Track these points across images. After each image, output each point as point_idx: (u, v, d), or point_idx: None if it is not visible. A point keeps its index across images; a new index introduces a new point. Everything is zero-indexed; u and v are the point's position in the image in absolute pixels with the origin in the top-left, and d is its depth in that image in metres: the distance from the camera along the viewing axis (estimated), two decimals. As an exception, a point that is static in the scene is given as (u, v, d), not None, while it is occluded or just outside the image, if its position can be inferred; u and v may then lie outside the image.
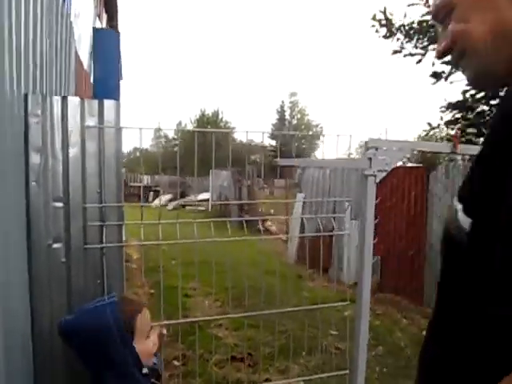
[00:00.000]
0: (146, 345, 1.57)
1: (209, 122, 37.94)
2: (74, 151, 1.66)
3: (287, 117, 46.73)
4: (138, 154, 53.36)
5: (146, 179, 27.86)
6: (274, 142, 45.47)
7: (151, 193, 24.92)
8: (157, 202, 22.42)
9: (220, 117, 38.29)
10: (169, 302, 5.68)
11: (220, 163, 33.04)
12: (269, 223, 12.87)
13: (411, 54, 5.47)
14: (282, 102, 47.04)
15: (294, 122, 46.52)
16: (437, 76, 4.37)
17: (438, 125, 5.56)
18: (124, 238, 7.86)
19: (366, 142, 2.04)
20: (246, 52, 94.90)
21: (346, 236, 7.36)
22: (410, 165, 6.93)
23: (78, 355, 1.49)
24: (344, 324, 4.96)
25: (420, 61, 5.13)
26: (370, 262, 2.16)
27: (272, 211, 18.23)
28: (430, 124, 5.63)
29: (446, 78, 4.31)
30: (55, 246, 1.65)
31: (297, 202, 8.84)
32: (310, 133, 46.09)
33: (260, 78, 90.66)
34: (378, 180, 2.06)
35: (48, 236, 1.63)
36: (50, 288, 1.66)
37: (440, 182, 5.52)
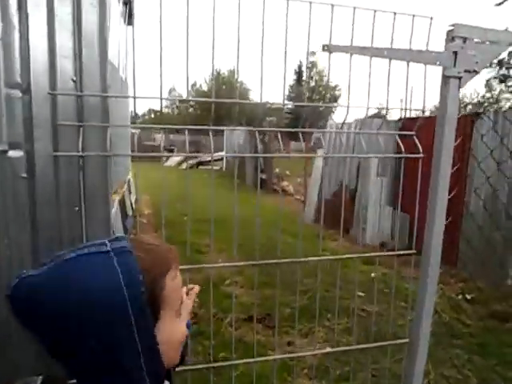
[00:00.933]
0: (176, 330, 0.80)
1: (224, 82, 36.82)
2: (36, 16, 1.12)
3: (305, 78, 45.13)
4: (152, 115, 52.79)
5: (160, 138, 27.42)
6: (290, 105, 44.27)
7: (165, 151, 24.55)
8: (171, 161, 22.04)
9: (236, 77, 37.16)
10: (180, 257, 5.31)
11: (235, 122, 32.39)
12: (285, 183, 12.35)
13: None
14: (300, 61, 45.32)
15: (312, 83, 44.90)
16: None
17: None
18: (135, 196, 7.36)
19: (448, 31, 1.45)
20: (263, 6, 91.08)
21: (371, 194, 6.82)
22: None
23: (44, 345, 0.71)
24: (371, 286, 4.54)
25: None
26: (442, 222, 1.61)
27: (288, 172, 17.72)
28: None
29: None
30: (11, 154, 1.15)
31: (318, 156, 8.24)
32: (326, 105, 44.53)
33: (279, 34, 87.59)
34: (463, 85, 1.48)
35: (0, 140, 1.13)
36: (4, 219, 1.16)
37: (487, 135, 4.86)
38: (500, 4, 3.51)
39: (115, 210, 4.94)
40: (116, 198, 5.44)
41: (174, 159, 21.80)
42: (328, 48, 1.36)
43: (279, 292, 4.11)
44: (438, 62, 1.45)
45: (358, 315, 3.91)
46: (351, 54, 1.43)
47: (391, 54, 1.43)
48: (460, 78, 1.48)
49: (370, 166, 6.83)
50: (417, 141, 1.81)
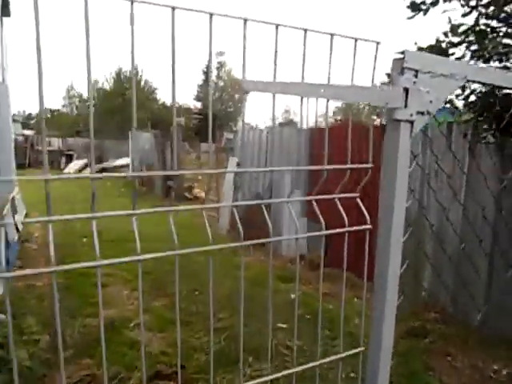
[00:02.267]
0: None
1: (127, 80, 34.72)
2: None
3: (213, 78, 44.71)
4: (48, 115, 48.14)
5: (57, 142, 24.90)
6: (198, 104, 43.49)
7: (63, 158, 22.34)
8: (70, 168, 20.10)
9: (140, 75, 35.23)
10: (80, 292, 4.58)
11: (141, 125, 30.79)
12: (197, 190, 11.81)
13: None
14: (208, 61, 44.83)
15: (221, 83, 44.71)
16: (415, 6, 3.39)
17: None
18: (24, 211, 6.21)
19: (396, 61, 1.11)
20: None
21: (287, 206, 6.62)
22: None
23: None
24: (291, 311, 4.21)
25: None
26: (398, 254, 1.28)
27: (200, 178, 17.18)
28: None
29: (426, 11, 3.40)
30: None
31: (228, 172, 7.87)
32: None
33: (185, 35, 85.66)
34: (417, 129, 1.16)
35: None
36: None
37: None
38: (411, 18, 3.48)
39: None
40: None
41: (73, 166, 19.93)
42: (243, 87, 0.93)
43: (193, 333, 3.64)
44: (386, 103, 1.10)
45: (283, 354, 3.58)
46: (273, 95, 1.02)
47: (329, 92, 1.04)
48: (412, 122, 1.14)
49: (283, 177, 6.64)
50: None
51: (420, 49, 3.45)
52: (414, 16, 3.35)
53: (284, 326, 3.78)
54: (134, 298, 4.37)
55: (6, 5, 7.99)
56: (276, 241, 6.02)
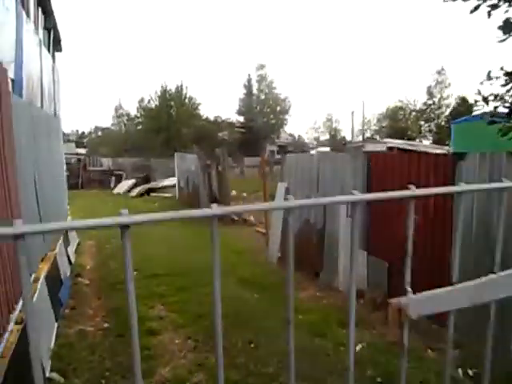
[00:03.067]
0: None
1: (172, 97, 35.49)
2: None
3: (255, 91, 44.89)
4: (99, 133, 50.30)
5: (107, 162, 25.70)
6: (241, 118, 43.71)
7: (113, 177, 23.00)
8: (119, 188, 20.64)
9: (184, 92, 35.92)
10: (129, 345, 4.35)
11: (186, 142, 31.27)
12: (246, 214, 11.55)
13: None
14: (249, 75, 45.01)
15: (262, 96, 44.76)
16: (508, 27, 2.98)
17: (497, 96, 3.86)
18: (77, 240, 6.10)
19: None
20: (210, 23, 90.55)
21: (342, 235, 6.16)
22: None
23: None
24: (359, 370, 3.69)
25: (477, 8, 3.44)
26: None
27: (245, 194, 16.95)
28: (482, 96, 3.84)
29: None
30: None
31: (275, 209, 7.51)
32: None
33: (225, 50, 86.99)
34: None
35: None
36: None
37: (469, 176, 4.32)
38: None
39: (37, 294, 3.88)
40: (41, 275, 4.37)
41: (122, 186, 20.40)
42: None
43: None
44: None
45: None
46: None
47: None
48: None
49: (338, 204, 6.19)
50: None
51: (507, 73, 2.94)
52: (506, 39, 2.87)
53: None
54: (187, 349, 4.08)
55: (58, 41, 8.20)
56: (331, 274, 5.37)
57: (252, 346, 4.06)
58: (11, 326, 3.18)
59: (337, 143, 20.77)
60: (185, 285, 6.06)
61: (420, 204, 4.91)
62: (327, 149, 28.27)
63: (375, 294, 5.34)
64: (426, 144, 22.98)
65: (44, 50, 6.50)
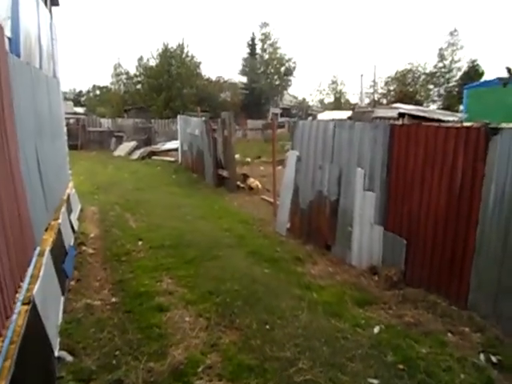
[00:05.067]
0: None
1: (173, 56, 34.29)
2: None
3: (258, 51, 43.40)
4: (97, 92, 49.14)
5: (107, 123, 25.16)
6: (244, 79, 42.52)
7: (113, 139, 22.57)
8: (120, 150, 20.27)
9: (185, 50, 34.67)
10: (138, 322, 4.27)
11: (188, 102, 30.48)
12: (251, 179, 11.32)
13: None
14: (253, 33, 43.37)
15: (266, 56, 43.33)
16: None
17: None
18: (79, 206, 5.90)
19: None
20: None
21: (357, 209, 5.95)
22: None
23: None
24: (379, 356, 3.52)
25: None
26: None
27: (248, 159, 16.61)
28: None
29: None
30: None
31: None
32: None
33: (228, 6, 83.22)
34: None
35: None
36: None
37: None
38: None
39: (43, 270, 3.72)
40: (46, 249, 4.19)
41: (123, 148, 20.05)
42: None
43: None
44: None
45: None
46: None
47: None
48: None
49: (355, 175, 5.95)
50: None
51: None
52: None
53: (375, 382, 3.21)
54: (199, 328, 3.97)
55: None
56: (344, 248, 5.27)
57: (267, 327, 3.93)
58: (18, 306, 3.02)
59: (355, 113, 20.10)
60: (193, 257, 5.93)
61: (445, 184, 4.67)
62: (334, 113, 27.66)
63: (391, 272, 5.22)
64: (438, 111, 22.38)
65: (41, 4, 6.02)
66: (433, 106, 37.20)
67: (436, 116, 15.93)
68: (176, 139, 17.72)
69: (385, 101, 39.72)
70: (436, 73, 39.14)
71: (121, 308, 4.40)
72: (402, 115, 15.99)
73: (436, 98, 39.37)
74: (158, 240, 6.66)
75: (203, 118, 13.96)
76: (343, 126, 6.31)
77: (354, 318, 4.25)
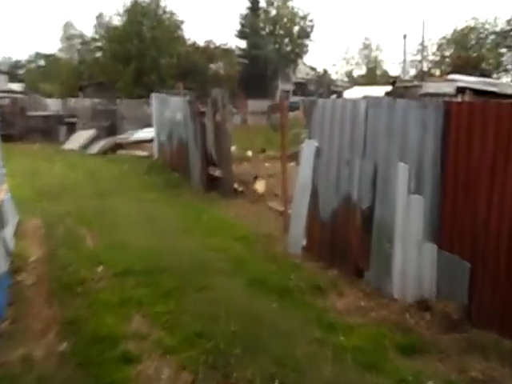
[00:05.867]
0: None
1: (145, 13, 34.36)
2: None
3: (263, 4, 43.68)
4: (41, 62, 49.55)
5: (56, 104, 25.34)
6: (243, 44, 42.83)
7: (63, 127, 22.71)
8: (72, 142, 20.41)
9: (162, 5, 34.79)
10: (96, 379, 4.25)
11: (168, 75, 30.61)
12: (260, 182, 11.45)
13: None
14: (255, -19, 43.73)
15: (273, 12, 43.65)
16: None
17: None
18: (17, 218, 5.91)
19: None
20: None
21: (399, 219, 5.93)
22: None
23: None
24: None
25: None
26: None
27: (250, 153, 16.61)
28: None
29: None
30: None
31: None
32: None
33: None
34: None
35: None
36: None
37: None
38: None
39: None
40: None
41: (78, 139, 20.21)
42: None
43: None
44: None
45: None
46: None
47: None
48: None
49: (396, 174, 5.94)
50: None
51: None
52: None
53: None
54: (182, 385, 3.96)
55: None
56: (382, 274, 5.36)
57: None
58: None
59: (397, 88, 19.97)
60: (173, 287, 5.94)
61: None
62: (366, 88, 27.71)
63: (449, 308, 5.21)
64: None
65: None
66: (506, 79, 37.19)
67: (510, 91, 15.93)
68: (150, 126, 17.81)
69: (437, 71, 39.77)
70: (510, 31, 39.11)
71: (72, 359, 4.41)
72: (461, 90, 16.01)
73: (510, 67, 39.31)
74: (124, 264, 6.67)
75: (187, 98, 14.03)
76: (379, 105, 6.32)
77: (398, 371, 4.24)
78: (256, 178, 11.79)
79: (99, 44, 37.45)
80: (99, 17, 38.08)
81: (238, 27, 43.39)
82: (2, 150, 9.19)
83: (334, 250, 6.96)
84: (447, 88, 17.26)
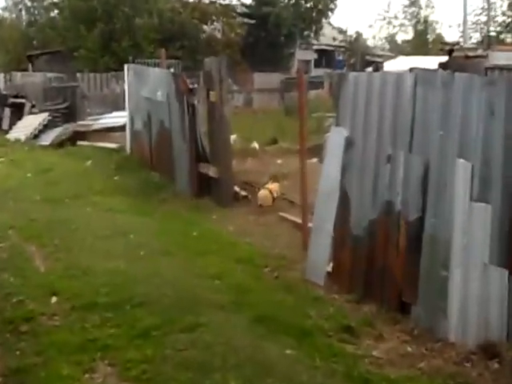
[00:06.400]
0: None
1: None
2: None
3: None
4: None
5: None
6: (248, -1, 42.88)
7: (6, 109, 22.81)
8: (20, 129, 20.47)
9: None
10: None
11: (143, 42, 30.65)
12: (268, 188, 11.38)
13: None
14: None
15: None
16: None
17: None
18: None
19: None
20: None
21: (458, 236, 5.91)
22: None
23: None
24: None
25: None
26: None
27: (256, 145, 16.57)
28: None
29: None
30: None
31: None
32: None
33: None
34: None
35: None
36: None
37: None
38: None
39: None
40: None
41: (26, 126, 20.28)
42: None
43: None
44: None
45: None
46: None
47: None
48: None
49: (453, 174, 5.93)
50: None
51: None
52: None
53: None
54: None
55: None
56: (435, 309, 5.43)
57: None
58: None
59: (454, 59, 19.78)
60: (150, 326, 5.93)
61: None
62: (414, 59, 27.70)
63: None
64: None
65: None
66: None
67: None
68: (122, 110, 17.84)
69: (509, 37, 39.74)
70: None
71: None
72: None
73: None
74: (86, 294, 6.69)
75: (171, 70, 14.03)
76: (432, 82, 6.33)
77: None
78: (275, 178, 11.70)
79: (54, 0, 37.62)
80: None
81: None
82: None
83: (369, 278, 6.97)
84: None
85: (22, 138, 19.75)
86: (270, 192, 11.20)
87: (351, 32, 51.82)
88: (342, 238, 7.33)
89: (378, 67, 29.68)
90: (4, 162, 15.83)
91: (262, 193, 11.19)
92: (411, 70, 7.21)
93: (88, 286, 6.95)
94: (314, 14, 43.93)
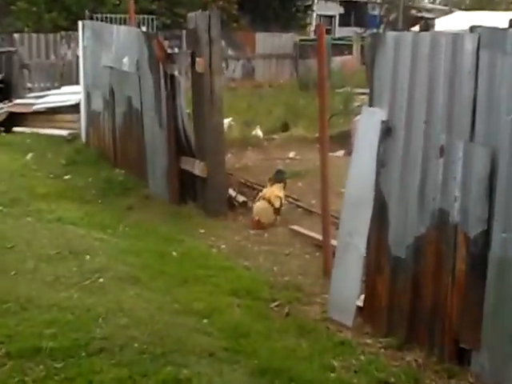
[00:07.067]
0: None
1: None
2: None
3: None
4: None
5: None
6: None
7: None
8: None
9: None
10: None
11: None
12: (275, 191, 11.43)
13: None
14: None
15: None
16: None
17: None
18: None
19: None
20: None
21: None
22: None
23: None
24: None
25: None
26: None
27: (259, 131, 16.62)
28: None
29: None
30: None
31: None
32: None
33: None
34: None
35: None
36: None
37: None
38: None
39: None
40: None
41: None
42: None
43: None
44: None
45: None
46: None
47: None
48: None
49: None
50: None
51: None
52: None
53: None
54: None
55: None
56: (504, 358, 5.61)
57: None
58: None
59: None
60: (115, 380, 5.94)
61: None
62: (475, 15, 27.80)
63: None
64: None
65: None
66: None
67: None
68: (74, 84, 17.90)
69: None
70: None
71: None
72: None
73: None
74: (26, 336, 6.68)
75: (143, 29, 14.08)
76: (501, 45, 6.34)
77: None
78: (272, 180, 11.68)
79: None
80: None
81: None
82: None
83: (415, 315, 7.00)
84: None
85: None
86: (270, 202, 11.19)
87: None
88: (378, 260, 7.34)
89: (427, 25, 29.78)
90: None
91: (259, 205, 11.23)
92: (472, 29, 7.19)
93: (29, 324, 6.94)
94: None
